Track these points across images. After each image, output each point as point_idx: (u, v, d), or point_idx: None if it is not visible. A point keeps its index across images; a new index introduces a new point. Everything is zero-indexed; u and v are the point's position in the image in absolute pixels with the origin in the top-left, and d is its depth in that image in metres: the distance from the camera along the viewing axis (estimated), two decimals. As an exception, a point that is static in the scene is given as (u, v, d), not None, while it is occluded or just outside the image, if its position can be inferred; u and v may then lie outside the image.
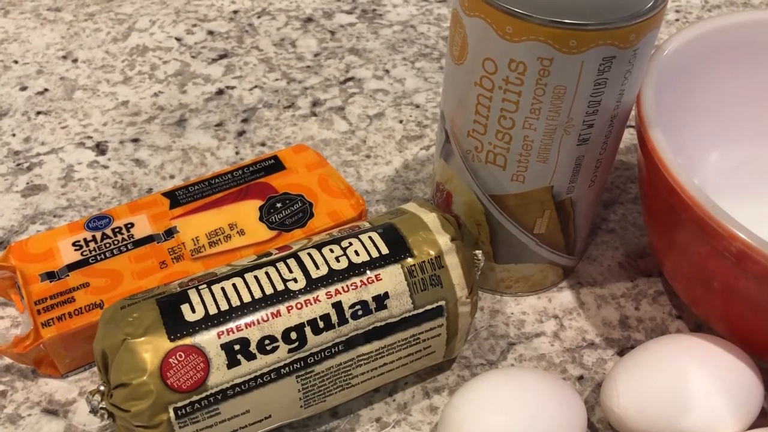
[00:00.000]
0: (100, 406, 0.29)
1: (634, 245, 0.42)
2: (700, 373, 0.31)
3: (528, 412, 0.29)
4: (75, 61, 0.53)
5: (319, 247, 0.32)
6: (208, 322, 0.29)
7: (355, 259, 0.31)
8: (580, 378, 0.36)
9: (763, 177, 0.42)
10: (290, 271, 0.30)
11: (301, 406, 0.31)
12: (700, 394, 0.30)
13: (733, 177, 0.42)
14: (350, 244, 0.32)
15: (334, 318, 0.30)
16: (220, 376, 0.28)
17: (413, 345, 0.32)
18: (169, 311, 0.29)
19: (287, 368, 0.29)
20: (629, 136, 0.49)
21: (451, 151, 0.35)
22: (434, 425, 0.33)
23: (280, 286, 0.30)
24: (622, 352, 0.37)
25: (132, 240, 0.36)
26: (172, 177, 0.44)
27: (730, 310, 0.32)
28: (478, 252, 0.34)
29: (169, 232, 0.37)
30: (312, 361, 0.30)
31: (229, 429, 0.29)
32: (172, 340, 0.28)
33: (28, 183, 0.44)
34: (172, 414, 0.28)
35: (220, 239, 0.37)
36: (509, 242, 0.36)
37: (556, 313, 0.38)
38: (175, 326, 0.28)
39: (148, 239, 0.36)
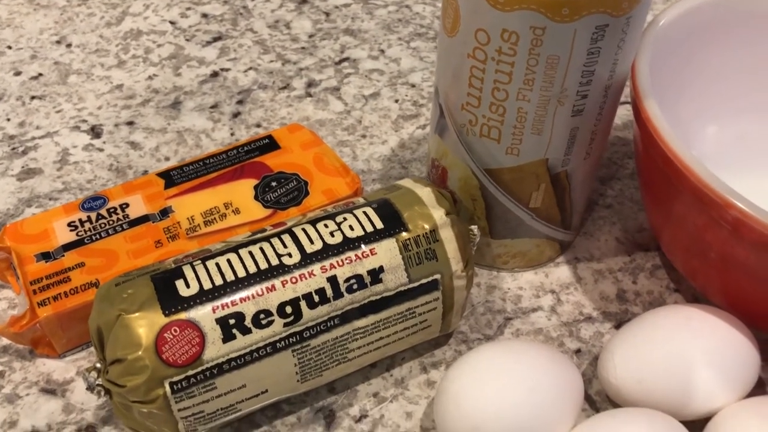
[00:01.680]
0: (97, 383, 0.29)
1: (632, 220, 0.42)
2: (698, 344, 0.31)
3: (525, 384, 0.29)
4: (69, 45, 0.53)
5: (313, 222, 0.31)
6: (203, 296, 0.29)
7: (350, 234, 0.31)
8: (578, 351, 0.35)
9: (762, 151, 0.42)
10: (284, 246, 0.30)
11: (298, 381, 0.31)
12: (697, 364, 0.30)
13: (731, 151, 0.42)
14: (345, 219, 0.32)
15: (330, 292, 0.30)
16: (215, 350, 0.28)
17: (409, 319, 0.32)
18: (164, 287, 0.29)
19: (283, 342, 0.29)
20: (626, 113, 0.49)
21: (446, 125, 0.34)
22: (431, 399, 0.33)
23: (274, 261, 0.30)
24: (619, 326, 0.37)
25: (127, 220, 0.36)
26: (167, 159, 0.44)
27: (728, 280, 0.32)
28: (474, 227, 0.34)
29: (164, 212, 0.37)
30: (308, 335, 0.30)
31: (225, 403, 0.29)
32: (166, 315, 0.28)
33: (23, 167, 0.44)
34: (168, 388, 0.28)
35: (215, 218, 0.37)
36: (505, 217, 0.36)
37: (553, 288, 0.38)
38: (170, 301, 0.28)
39: (143, 219, 0.36)
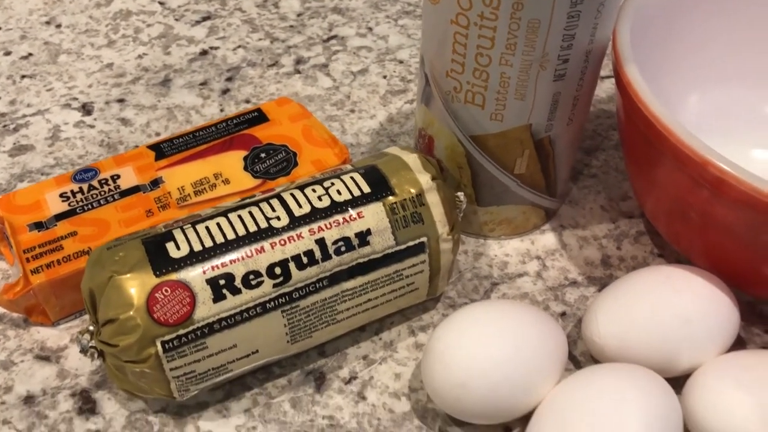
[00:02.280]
0: (90, 344, 0.30)
1: (616, 189, 0.42)
2: (679, 301, 0.31)
3: (509, 342, 0.30)
4: (59, 26, 0.53)
5: (301, 187, 0.32)
6: (193, 258, 0.29)
7: (338, 198, 0.32)
8: (563, 314, 0.36)
9: (742, 118, 0.43)
10: (273, 210, 0.31)
11: (288, 342, 0.31)
12: (678, 321, 0.31)
13: (712, 119, 0.42)
14: (332, 184, 0.32)
15: (318, 254, 0.30)
16: (206, 310, 0.29)
17: (396, 281, 0.32)
18: (155, 249, 0.29)
19: (272, 303, 0.30)
20: (610, 86, 0.49)
21: (432, 94, 0.35)
22: (420, 361, 0.34)
23: (263, 224, 0.30)
24: (603, 289, 0.37)
25: (118, 190, 0.37)
26: (157, 134, 0.45)
27: (709, 241, 0.33)
28: (460, 194, 0.35)
29: (155, 183, 0.37)
30: (297, 296, 0.30)
31: (217, 363, 0.30)
32: (157, 276, 0.29)
33: (14, 143, 0.44)
34: (159, 347, 0.28)
35: (205, 188, 0.37)
36: (491, 184, 0.36)
37: (539, 254, 0.39)
38: (161, 263, 0.29)
39: (134, 189, 0.37)
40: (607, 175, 0.43)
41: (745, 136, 0.42)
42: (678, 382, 0.32)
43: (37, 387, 0.33)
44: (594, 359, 0.34)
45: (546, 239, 0.40)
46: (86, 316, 0.36)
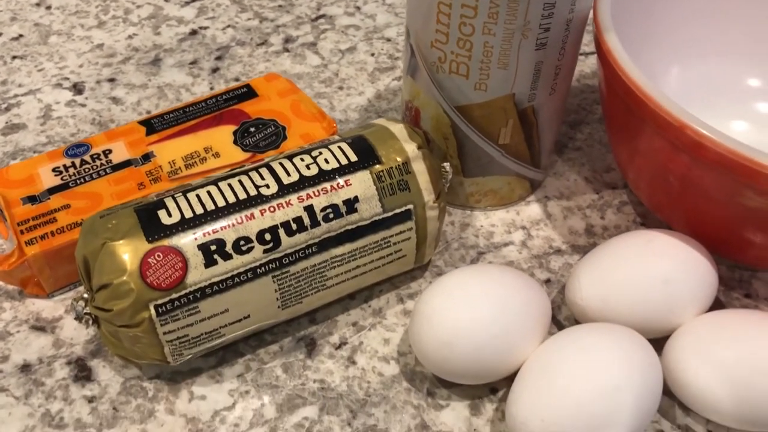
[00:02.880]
0: (85, 311, 0.31)
1: (600, 161, 0.43)
2: (659, 263, 0.32)
3: (494, 303, 0.31)
4: (48, 8, 0.53)
5: (289, 157, 0.33)
6: (185, 224, 0.30)
7: (325, 167, 0.32)
8: (547, 281, 0.37)
9: (723, 93, 0.44)
10: (262, 178, 0.32)
11: (279, 307, 0.32)
12: (659, 282, 0.32)
13: (693, 92, 0.43)
14: (320, 153, 0.33)
15: (307, 220, 0.31)
16: (198, 274, 0.29)
17: (384, 248, 0.33)
18: (147, 217, 0.30)
19: (263, 268, 0.31)
20: (593, 62, 0.50)
21: (417, 65, 0.36)
22: (408, 327, 0.35)
23: (252, 192, 0.31)
24: (586, 254, 0.38)
25: (110, 165, 0.37)
26: (148, 112, 0.45)
27: (689, 206, 0.34)
28: (446, 164, 0.36)
29: (146, 157, 0.38)
30: (287, 261, 0.31)
31: (209, 328, 0.31)
32: (150, 242, 0.29)
33: (6, 122, 0.45)
34: (153, 311, 0.29)
35: (195, 162, 0.38)
36: (476, 154, 0.37)
37: (524, 225, 0.40)
38: (153, 229, 0.29)
39: (125, 164, 0.38)
40: (591, 148, 0.44)
41: (725, 109, 0.43)
42: (658, 344, 0.33)
43: (33, 356, 0.34)
44: (577, 322, 0.35)
45: (531, 210, 0.40)
46: (81, 288, 0.36)
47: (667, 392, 0.32)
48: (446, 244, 0.39)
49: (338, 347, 0.34)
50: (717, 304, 0.36)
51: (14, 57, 0.49)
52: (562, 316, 0.36)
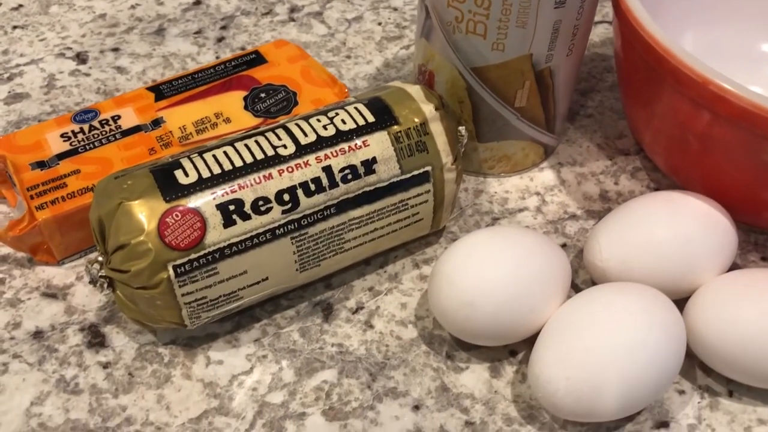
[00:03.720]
0: (100, 274, 0.30)
1: (612, 128, 0.43)
2: (680, 223, 0.32)
3: (515, 262, 0.30)
4: (48, -21, 0.52)
5: (305, 118, 0.32)
6: (202, 184, 0.29)
7: (343, 127, 0.32)
8: (563, 246, 0.37)
9: (737, 59, 0.43)
10: (279, 139, 0.31)
11: (297, 270, 0.31)
12: (679, 242, 0.31)
13: (706, 59, 0.43)
14: (337, 114, 0.32)
15: (325, 181, 0.31)
16: (216, 235, 0.29)
17: (402, 211, 0.33)
18: (163, 177, 0.29)
19: (282, 229, 0.30)
20: (604, 30, 0.50)
21: (432, 26, 0.35)
22: (424, 291, 0.35)
23: (270, 152, 0.30)
24: (605, 216, 0.38)
25: (120, 130, 0.37)
26: (154, 81, 0.45)
27: (708, 167, 0.34)
28: (461, 128, 0.35)
29: (156, 122, 0.37)
30: (305, 223, 0.30)
31: (228, 290, 0.30)
32: (167, 202, 0.29)
33: (9, 92, 0.44)
34: (171, 272, 0.28)
35: (206, 127, 0.37)
36: (491, 118, 0.37)
37: (538, 190, 0.39)
38: (170, 189, 0.29)
39: (135, 129, 0.37)
40: (603, 115, 0.44)
41: (738, 75, 0.42)
42: (678, 305, 0.32)
43: (46, 323, 0.33)
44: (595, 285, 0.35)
45: (544, 176, 0.40)
46: (91, 255, 0.36)
47: (688, 353, 0.32)
48: (460, 210, 0.38)
49: (355, 312, 0.34)
50: (734, 268, 0.36)
51: (15, 27, 0.48)
52: (579, 280, 0.35)
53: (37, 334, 0.33)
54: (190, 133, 0.37)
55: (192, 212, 0.29)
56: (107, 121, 0.37)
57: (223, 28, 0.49)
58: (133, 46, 0.47)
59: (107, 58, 0.46)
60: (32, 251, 0.35)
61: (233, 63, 0.41)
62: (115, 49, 0.47)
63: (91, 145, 0.36)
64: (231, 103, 0.38)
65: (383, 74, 0.46)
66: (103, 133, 0.37)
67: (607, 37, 0.49)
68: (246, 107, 0.38)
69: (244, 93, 0.39)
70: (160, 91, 0.39)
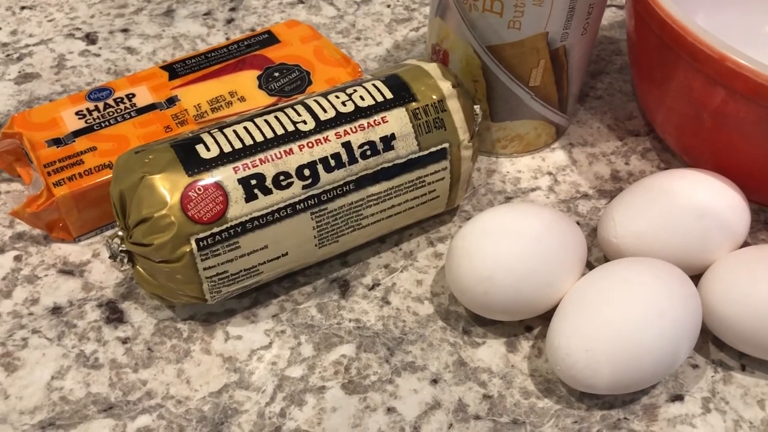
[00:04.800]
0: (120, 249, 0.30)
1: (622, 109, 0.43)
2: (694, 199, 0.32)
3: (533, 238, 0.31)
4: (54, -40, 0.52)
5: (324, 94, 0.32)
6: (224, 158, 0.29)
7: (361, 104, 0.32)
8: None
9: (745, 40, 0.43)
10: (298, 115, 0.31)
11: (316, 246, 0.32)
12: (693, 218, 0.32)
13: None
14: (355, 90, 0.32)
15: (345, 157, 0.31)
16: (238, 209, 0.29)
17: (419, 188, 0.33)
18: (184, 151, 0.29)
19: (302, 204, 0.30)
20: (612, 14, 0.50)
21: (447, 5, 0.35)
22: (439, 268, 0.35)
23: (290, 128, 0.31)
24: (619, 194, 0.38)
25: (135, 108, 0.37)
26: (165, 62, 0.45)
27: (721, 145, 0.34)
28: (477, 106, 0.35)
29: (171, 101, 0.37)
30: (325, 198, 0.31)
31: (248, 264, 0.30)
32: (190, 176, 0.29)
33: (20, 72, 0.44)
34: (194, 245, 0.29)
35: (221, 105, 0.37)
36: (506, 97, 0.37)
37: (550, 170, 0.40)
38: (192, 163, 0.29)
39: (150, 107, 0.37)
40: (613, 97, 0.44)
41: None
42: (692, 282, 0.33)
43: (63, 299, 0.33)
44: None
45: (556, 156, 0.40)
46: (109, 232, 0.36)
47: (702, 329, 0.32)
48: (473, 189, 0.39)
49: (371, 288, 0.34)
50: (745, 246, 0.36)
51: (23, 7, 0.48)
52: (593, 258, 0.36)
53: (56, 310, 0.33)
54: (205, 111, 0.37)
55: (214, 186, 0.29)
56: (122, 99, 0.37)
57: (233, 9, 0.49)
58: (142, 27, 0.47)
59: (117, 39, 0.46)
60: (49, 228, 0.35)
61: (246, 43, 0.41)
62: (125, 30, 0.47)
63: (107, 123, 0.36)
64: (245, 81, 0.38)
65: (393, 56, 0.46)
66: (118, 111, 0.37)
67: (615, 20, 0.50)
68: (260, 86, 0.38)
69: (258, 72, 0.39)
70: (173, 70, 0.39)
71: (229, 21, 0.48)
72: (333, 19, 0.48)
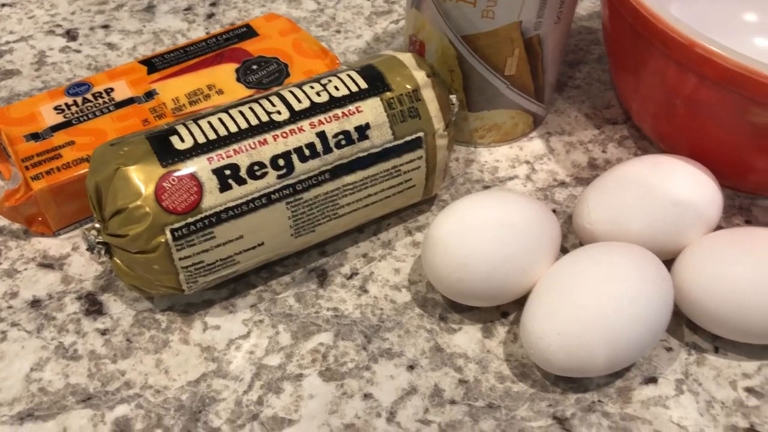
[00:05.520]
0: (97, 241, 0.30)
1: (599, 98, 0.43)
2: (667, 185, 0.33)
3: (506, 222, 0.31)
4: (35, -43, 0.52)
5: (299, 85, 0.33)
6: (198, 149, 0.30)
7: (336, 94, 0.32)
8: (553, 212, 0.37)
9: (721, 28, 0.44)
10: (273, 105, 0.31)
11: (292, 235, 0.32)
12: (666, 204, 0.32)
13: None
14: (329, 81, 0.33)
15: (319, 147, 0.31)
16: (213, 199, 0.29)
17: (395, 177, 0.33)
18: (159, 143, 0.30)
19: (277, 194, 0.30)
20: (590, 4, 0.50)
21: (422, -4, 0.36)
22: (417, 257, 0.35)
23: (264, 118, 0.31)
24: (594, 180, 0.38)
25: (113, 102, 0.37)
26: (145, 57, 0.45)
27: (694, 131, 0.34)
28: (453, 96, 0.36)
29: (149, 95, 0.38)
30: (300, 188, 0.31)
31: (224, 254, 0.31)
32: (164, 167, 0.29)
33: (0, 68, 0.44)
34: (169, 236, 0.29)
35: (199, 98, 0.37)
36: (482, 87, 0.37)
37: (528, 159, 0.40)
38: (166, 154, 0.29)
39: (129, 101, 0.37)
40: (591, 86, 0.44)
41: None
42: (666, 266, 0.33)
43: (43, 292, 0.34)
44: (585, 249, 0.35)
45: (534, 145, 0.41)
46: (87, 226, 0.36)
47: (675, 312, 0.33)
48: (452, 179, 0.39)
49: (350, 277, 0.34)
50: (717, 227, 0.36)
51: (3, 5, 0.48)
52: (569, 245, 0.36)
53: (35, 303, 0.33)
54: (183, 105, 0.37)
55: (188, 176, 0.29)
56: (100, 93, 0.37)
57: (213, 4, 0.49)
58: (123, 23, 0.47)
59: (97, 35, 0.46)
60: (28, 222, 0.35)
61: (224, 36, 0.41)
62: (105, 26, 0.47)
63: (85, 117, 0.36)
64: (223, 75, 0.39)
65: (373, 48, 0.46)
66: (97, 105, 0.37)
67: (593, 10, 0.50)
68: (238, 79, 0.38)
69: (236, 65, 0.39)
70: (152, 64, 0.39)
71: (210, 16, 0.48)
72: (313, 13, 0.48)
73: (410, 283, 0.34)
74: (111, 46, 0.46)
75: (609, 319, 0.28)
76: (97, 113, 0.36)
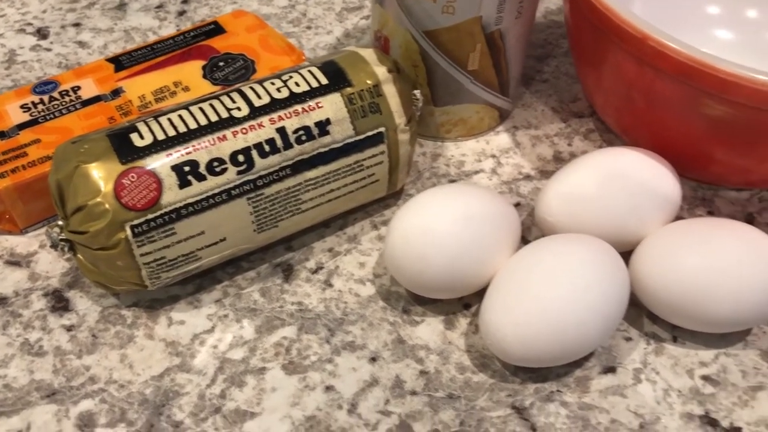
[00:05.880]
0: (60, 237, 0.31)
1: (567, 92, 0.44)
2: (626, 177, 0.33)
3: (466, 217, 0.31)
4: (8, -44, 0.52)
5: (260, 81, 0.33)
6: (158, 146, 0.30)
7: (296, 89, 0.32)
8: (517, 205, 0.38)
9: (685, 22, 0.44)
10: (233, 102, 0.32)
11: (255, 231, 0.32)
12: (625, 195, 0.33)
13: (656, 23, 0.44)
14: (290, 77, 0.33)
15: (279, 142, 0.31)
16: (172, 195, 0.30)
17: (358, 171, 0.34)
18: (119, 140, 0.30)
19: (237, 190, 0.31)
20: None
21: (384, -8, 0.36)
22: (382, 251, 0.36)
23: (224, 114, 0.31)
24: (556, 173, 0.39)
25: (80, 101, 0.37)
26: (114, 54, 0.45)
27: (653, 124, 0.35)
28: (417, 91, 0.36)
29: (116, 92, 0.38)
30: (261, 183, 0.31)
31: (186, 250, 0.31)
32: (123, 164, 0.29)
33: (-30, 67, 0.44)
34: (129, 232, 0.29)
35: (165, 96, 0.38)
36: (446, 82, 0.38)
37: (494, 153, 0.40)
38: (126, 152, 0.30)
39: (95, 99, 0.37)
40: (558, 80, 0.45)
41: (686, 38, 0.44)
42: (626, 258, 0.34)
43: (9, 289, 0.34)
44: (548, 241, 0.36)
45: (500, 139, 0.41)
46: (52, 224, 0.36)
47: (635, 302, 0.33)
48: (418, 173, 0.39)
49: (315, 272, 0.35)
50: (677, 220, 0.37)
51: (-25, 4, 0.48)
52: (532, 237, 0.36)
53: (1, 301, 0.33)
54: (150, 102, 0.37)
55: (148, 173, 0.29)
56: (67, 92, 0.38)
57: (185, 1, 0.49)
58: (94, 21, 0.47)
59: (68, 33, 0.46)
60: (-5, 220, 0.35)
61: (192, 33, 0.41)
62: (77, 24, 0.47)
63: (52, 116, 0.36)
64: (190, 72, 0.39)
65: (343, 44, 0.46)
66: (63, 103, 0.37)
67: (561, 5, 0.50)
68: (205, 76, 0.39)
69: (202, 62, 0.39)
70: (119, 62, 0.39)
71: (181, 13, 0.48)
72: (284, 9, 0.49)
73: (375, 277, 0.35)
74: (82, 44, 0.46)
75: (562, 310, 0.29)
76: (63, 111, 0.37)
